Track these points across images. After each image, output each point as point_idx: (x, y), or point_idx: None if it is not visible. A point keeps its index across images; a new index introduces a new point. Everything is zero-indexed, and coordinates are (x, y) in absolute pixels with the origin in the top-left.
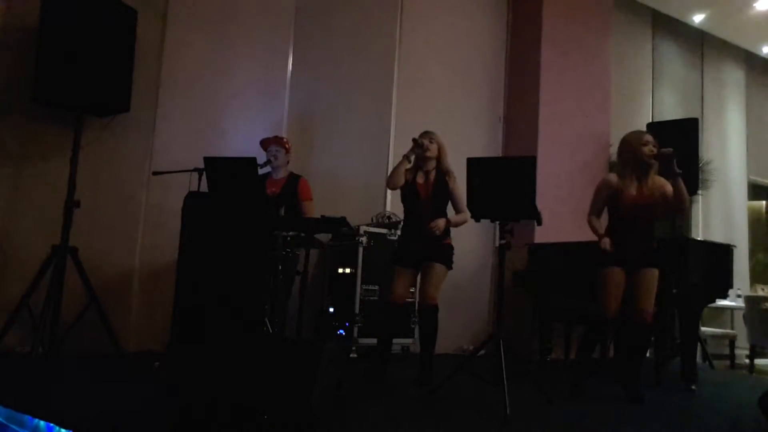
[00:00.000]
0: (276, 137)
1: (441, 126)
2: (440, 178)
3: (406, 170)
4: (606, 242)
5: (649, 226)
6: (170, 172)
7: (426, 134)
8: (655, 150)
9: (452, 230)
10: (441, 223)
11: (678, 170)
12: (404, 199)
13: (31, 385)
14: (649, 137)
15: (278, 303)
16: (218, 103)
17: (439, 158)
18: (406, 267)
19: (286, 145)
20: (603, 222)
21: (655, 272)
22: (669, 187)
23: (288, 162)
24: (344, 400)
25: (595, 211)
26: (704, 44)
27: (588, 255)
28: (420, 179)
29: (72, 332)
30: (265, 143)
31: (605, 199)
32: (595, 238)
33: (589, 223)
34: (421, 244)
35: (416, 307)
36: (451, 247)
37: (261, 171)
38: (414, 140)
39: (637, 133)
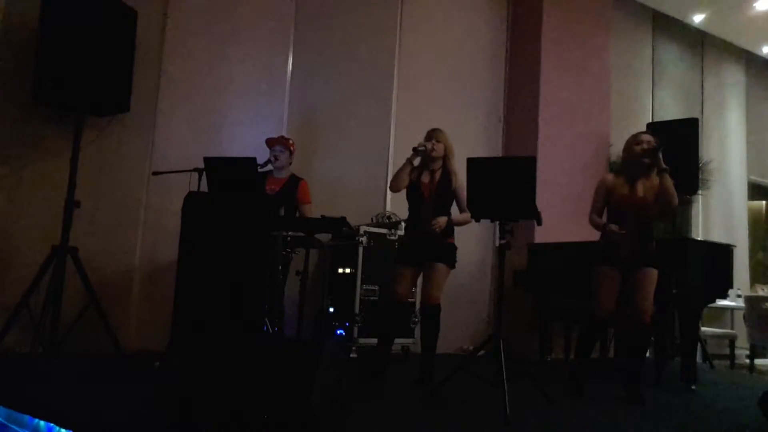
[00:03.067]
0: (282, 137)
1: (441, 126)
2: (445, 177)
3: (412, 170)
4: (612, 227)
5: (644, 226)
6: (170, 172)
7: (433, 133)
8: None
9: (453, 229)
10: (442, 221)
11: (664, 165)
12: (408, 198)
13: (31, 385)
14: (645, 137)
15: (276, 302)
16: (218, 103)
17: (446, 158)
18: (408, 266)
19: (291, 147)
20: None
21: (653, 272)
22: (662, 184)
23: (290, 163)
24: (344, 400)
25: (595, 210)
26: (704, 44)
27: (584, 254)
28: (425, 178)
29: (72, 332)
30: (270, 142)
31: (603, 197)
32: (593, 237)
33: (590, 221)
34: (424, 243)
35: (418, 307)
36: (455, 247)
37: (261, 170)
38: (414, 149)
39: (636, 134)
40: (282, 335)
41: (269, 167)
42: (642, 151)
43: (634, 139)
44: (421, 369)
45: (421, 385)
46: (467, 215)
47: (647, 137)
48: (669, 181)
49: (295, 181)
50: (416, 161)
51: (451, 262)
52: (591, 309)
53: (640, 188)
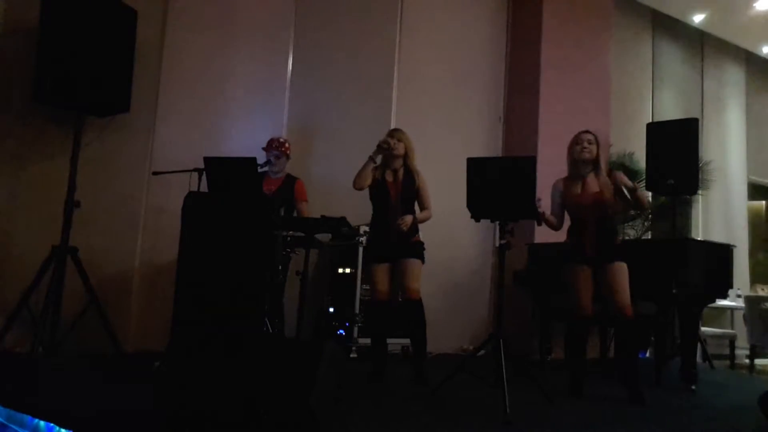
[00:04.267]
0: (278, 143)
1: (441, 126)
2: (408, 176)
3: (374, 169)
4: (539, 200)
5: (604, 223)
6: (170, 172)
7: (394, 132)
8: (587, 150)
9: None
10: (408, 219)
11: (627, 192)
12: (373, 198)
13: (31, 385)
14: (583, 137)
15: (276, 302)
16: (218, 103)
17: (406, 156)
18: (381, 263)
19: (287, 152)
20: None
21: (623, 266)
22: (619, 184)
23: (285, 166)
24: (344, 400)
25: (553, 215)
26: (704, 44)
27: (555, 255)
28: (389, 177)
29: (72, 332)
30: (268, 146)
31: (558, 201)
32: (560, 239)
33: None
34: (392, 242)
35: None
36: (422, 244)
37: (261, 170)
38: (379, 144)
39: (576, 135)
40: (282, 335)
41: (266, 168)
42: (580, 152)
43: (575, 140)
44: (414, 368)
45: (418, 383)
46: (428, 212)
47: (585, 136)
48: (641, 196)
49: (291, 180)
50: (378, 159)
51: (422, 258)
52: (571, 308)
53: (593, 185)
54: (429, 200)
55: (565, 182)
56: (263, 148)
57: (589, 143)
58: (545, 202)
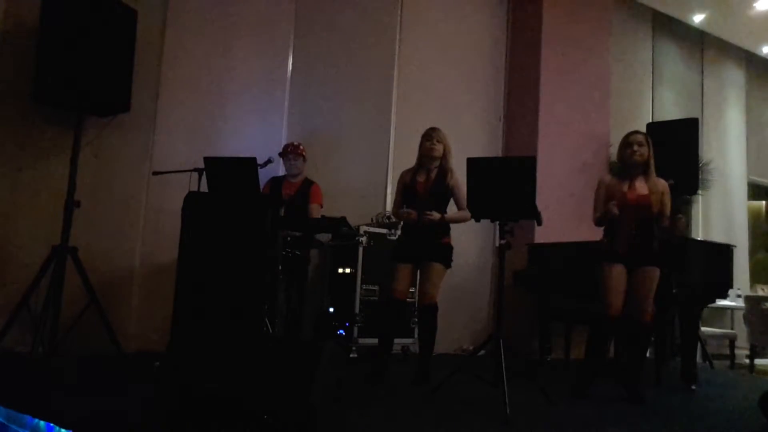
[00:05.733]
0: (293, 146)
1: (441, 126)
2: (440, 176)
3: (408, 170)
4: (612, 204)
5: (645, 225)
6: (170, 172)
7: (433, 132)
8: (638, 153)
9: (452, 229)
10: (435, 214)
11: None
12: (404, 198)
13: (31, 385)
14: (634, 138)
15: (291, 305)
16: (218, 103)
17: (444, 158)
18: (405, 263)
19: (303, 153)
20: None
21: (655, 271)
22: (666, 190)
23: (305, 168)
24: (344, 400)
25: (598, 211)
26: (704, 44)
27: (588, 253)
28: (420, 177)
29: (72, 332)
30: (284, 151)
31: (603, 197)
32: (592, 237)
33: (594, 222)
34: (420, 241)
35: (416, 306)
36: (451, 247)
37: (263, 171)
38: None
39: (626, 136)
40: (282, 335)
41: (289, 170)
42: (631, 155)
43: (624, 142)
44: (418, 368)
45: (417, 384)
46: (465, 213)
47: (636, 138)
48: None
49: (308, 184)
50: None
51: (446, 262)
52: (601, 308)
53: (640, 186)
54: (464, 201)
55: (612, 179)
56: (279, 154)
57: (639, 145)
58: (550, 204)
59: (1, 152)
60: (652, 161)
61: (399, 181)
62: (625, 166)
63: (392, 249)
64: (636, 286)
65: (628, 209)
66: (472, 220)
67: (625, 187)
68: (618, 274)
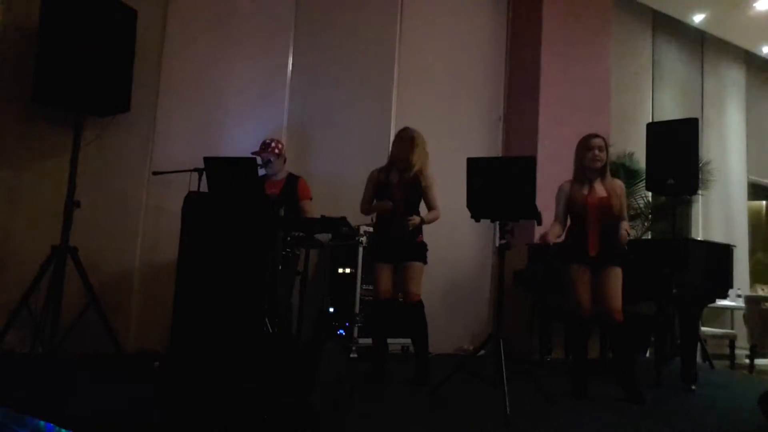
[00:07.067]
0: (265, 144)
1: (441, 126)
2: (414, 176)
3: (378, 169)
4: (546, 234)
5: (606, 226)
6: (170, 172)
7: (404, 133)
8: (598, 158)
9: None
10: (416, 220)
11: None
12: (377, 198)
13: (31, 385)
14: (593, 142)
15: (282, 302)
16: (218, 103)
17: (418, 157)
18: (384, 263)
19: (276, 150)
20: None
21: (618, 271)
22: (622, 190)
23: (284, 163)
24: (344, 400)
25: (557, 217)
26: (704, 44)
27: (554, 255)
28: (393, 178)
29: (72, 332)
30: (261, 149)
31: (563, 203)
32: (557, 240)
33: (550, 230)
34: (395, 242)
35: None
36: (425, 245)
37: (261, 171)
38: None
39: (586, 139)
40: (282, 335)
41: (267, 171)
42: (591, 159)
43: (585, 145)
44: (416, 368)
45: (417, 384)
46: (436, 213)
47: (596, 142)
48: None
49: (293, 180)
50: (389, 206)
51: (424, 260)
52: (572, 309)
53: (599, 189)
54: (436, 200)
55: (572, 185)
56: (253, 153)
57: (600, 150)
58: (550, 204)
59: (1, 152)
60: (608, 164)
61: (369, 180)
62: (583, 169)
63: (369, 248)
64: (604, 287)
65: (590, 212)
66: (472, 220)
67: (585, 190)
68: (585, 275)
